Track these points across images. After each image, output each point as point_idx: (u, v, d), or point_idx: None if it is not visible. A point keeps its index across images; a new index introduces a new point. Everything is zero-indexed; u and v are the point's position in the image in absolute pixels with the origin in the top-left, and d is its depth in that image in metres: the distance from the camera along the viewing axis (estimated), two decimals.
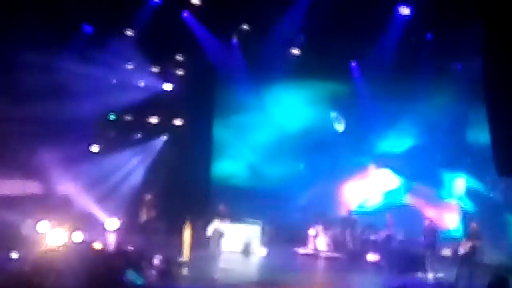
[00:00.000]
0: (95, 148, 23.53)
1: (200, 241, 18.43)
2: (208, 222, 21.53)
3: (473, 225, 19.79)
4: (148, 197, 22.59)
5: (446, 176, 23.38)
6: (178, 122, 24.30)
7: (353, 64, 23.61)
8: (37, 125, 22.01)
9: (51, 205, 21.74)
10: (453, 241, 21.00)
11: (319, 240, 22.08)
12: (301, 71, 23.37)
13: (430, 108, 22.78)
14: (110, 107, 22.81)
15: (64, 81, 21.42)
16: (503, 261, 19.20)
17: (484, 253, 19.62)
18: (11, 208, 20.54)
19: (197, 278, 16.74)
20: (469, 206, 22.52)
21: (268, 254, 21.48)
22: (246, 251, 21.46)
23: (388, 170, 23.78)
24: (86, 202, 21.89)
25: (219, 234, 17.86)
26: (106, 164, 22.58)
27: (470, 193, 22.86)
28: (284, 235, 21.68)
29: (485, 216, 21.77)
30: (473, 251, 19.35)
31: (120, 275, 14.87)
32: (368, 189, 24.06)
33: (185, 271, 17.48)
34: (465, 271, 18.72)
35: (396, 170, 23.36)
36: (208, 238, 17.86)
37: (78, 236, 20.22)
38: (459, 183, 23.28)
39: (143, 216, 22.38)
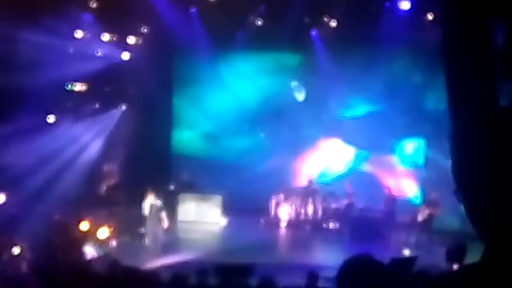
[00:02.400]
0: (51, 119, 23.21)
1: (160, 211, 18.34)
2: (169, 192, 21.57)
3: (433, 193, 20.04)
4: (106, 167, 22.46)
5: (405, 143, 23.54)
6: (136, 92, 24.06)
7: (313, 33, 23.51)
8: None
9: (8, 178, 21.51)
10: (412, 208, 21.23)
11: (281, 209, 22.14)
12: (261, 41, 23.26)
13: (389, 75, 22.85)
14: (67, 77, 22.46)
15: (19, 51, 21.07)
16: (460, 228, 19.39)
17: (442, 220, 19.86)
18: None
19: (158, 249, 16.70)
20: (427, 173, 22.72)
21: (229, 224, 21.51)
22: (206, 222, 21.44)
23: (342, 139, 23.79)
24: (46, 173, 21.66)
25: (156, 209, 17.50)
26: (64, 135, 22.31)
27: (429, 160, 23.06)
28: (245, 205, 21.63)
29: (443, 183, 21.98)
30: (431, 218, 19.64)
31: (80, 247, 14.81)
32: (327, 158, 24.11)
33: (146, 242, 17.42)
34: (423, 238, 18.99)
35: (355, 138, 23.39)
36: (146, 215, 17.52)
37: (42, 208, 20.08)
38: (418, 150, 23.47)
39: (102, 187, 22.29)
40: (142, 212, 17.32)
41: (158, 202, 17.63)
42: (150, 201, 17.45)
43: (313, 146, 23.90)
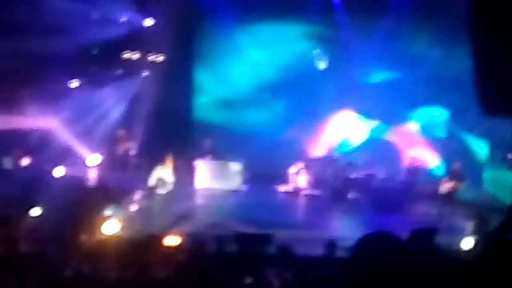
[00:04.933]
0: (75, 84, 23.29)
1: (180, 178, 18.40)
2: (189, 159, 21.62)
3: (456, 164, 19.91)
4: (127, 132, 22.57)
5: (430, 113, 23.40)
6: (159, 58, 24.04)
7: (336, 0, 23.32)
8: (19, 59, 21.78)
9: (33, 140, 21.72)
10: (435, 180, 21.12)
11: (300, 178, 22.10)
12: (283, 9, 23.13)
13: (412, 44, 22.71)
14: (91, 42, 22.50)
15: (45, 16, 21.13)
16: (483, 200, 19.33)
17: (465, 192, 19.76)
18: None
19: (176, 214, 16.73)
20: (450, 144, 22.59)
21: (248, 191, 21.53)
22: (226, 189, 21.47)
23: (363, 108, 23.64)
24: (67, 138, 21.81)
25: (162, 183, 17.36)
26: (87, 100, 22.41)
27: (453, 131, 22.95)
28: (266, 173, 21.61)
29: (466, 155, 21.91)
30: (454, 190, 19.51)
31: (100, 210, 14.91)
32: (347, 128, 24.01)
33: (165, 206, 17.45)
34: (446, 210, 18.89)
35: (376, 107, 23.23)
36: (151, 187, 17.39)
37: (60, 171, 20.27)
38: (441, 120, 23.33)
39: (124, 152, 22.47)
40: (161, 177, 17.34)
41: (176, 169, 17.68)
42: (169, 167, 17.49)
43: (334, 116, 23.80)
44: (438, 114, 23.40)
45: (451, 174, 19.97)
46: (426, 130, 23.44)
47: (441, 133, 23.34)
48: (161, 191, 17.20)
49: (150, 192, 17.19)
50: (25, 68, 21.80)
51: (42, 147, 21.10)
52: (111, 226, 14.01)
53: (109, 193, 16.78)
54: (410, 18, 22.08)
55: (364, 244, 3.38)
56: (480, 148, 22.42)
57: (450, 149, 22.16)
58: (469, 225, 15.40)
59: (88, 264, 10.38)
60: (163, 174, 17.30)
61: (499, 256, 2.00)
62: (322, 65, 24.21)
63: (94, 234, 13.12)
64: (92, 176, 21.09)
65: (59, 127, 21.94)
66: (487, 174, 21.64)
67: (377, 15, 22.26)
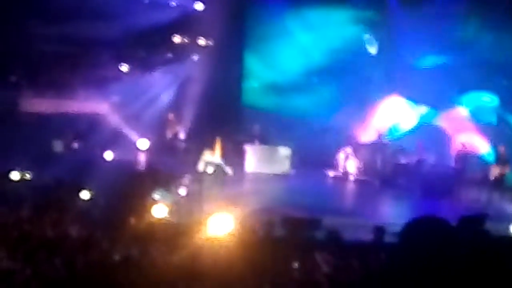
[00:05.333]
0: (124, 68, 23.46)
1: (229, 162, 18.39)
2: (239, 143, 21.62)
3: (501, 149, 19.67)
4: (177, 116, 22.68)
5: (479, 98, 23.08)
6: (209, 43, 24.07)
7: None
8: (70, 44, 22.04)
9: (83, 124, 21.97)
10: (485, 166, 20.86)
11: (349, 163, 21.96)
12: None
13: (464, 29, 22.39)
14: (140, 26, 22.61)
15: (96, 1, 21.29)
16: None
17: None
18: (43, 126, 20.79)
19: (225, 198, 16.72)
20: (500, 130, 22.26)
21: (297, 176, 21.45)
22: (275, 173, 21.44)
23: (413, 94, 23.39)
24: (117, 122, 22.01)
25: (211, 167, 17.05)
26: (136, 84, 22.57)
27: (503, 117, 22.62)
28: (314, 157, 21.52)
29: None
30: (502, 175, 19.24)
31: (149, 194, 14.99)
32: (397, 113, 23.79)
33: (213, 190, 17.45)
34: (495, 196, 18.64)
35: (427, 93, 22.96)
36: (200, 172, 17.23)
37: (109, 155, 20.48)
38: (491, 106, 22.99)
39: (173, 136, 22.59)
40: (210, 161, 17.33)
41: (225, 153, 17.67)
42: (218, 152, 17.48)
43: (383, 101, 23.60)
44: (488, 100, 23.06)
45: (499, 160, 19.71)
46: (475, 116, 23.12)
47: (491, 118, 23.00)
48: (210, 175, 17.18)
49: (199, 176, 17.19)
50: (75, 53, 22.07)
51: (92, 131, 21.34)
52: (159, 210, 14.07)
53: (158, 177, 16.87)
54: (460, 2, 21.77)
55: (413, 229, 3.33)
56: None
57: (500, 135, 21.83)
58: None
59: (136, 248, 10.44)
60: (212, 158, 17.27)
61: None
62: (372, 49, 24.00)
63: (142, 218, 13.19)
64: (141, 160, 21.27)
65: (109, 112, 22.17)
66: None
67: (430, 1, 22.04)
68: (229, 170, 17.35)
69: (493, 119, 22.97)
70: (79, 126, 21.88)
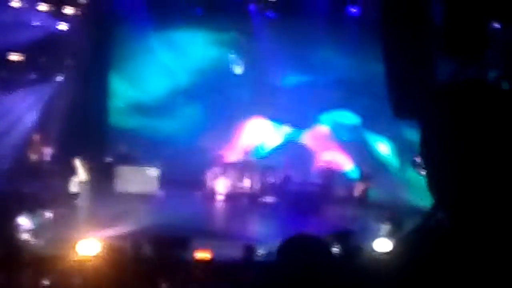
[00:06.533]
0: None
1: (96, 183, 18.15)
2: (106, 164, 21.37)
3: (365, 167, 20.40)
4: (41, 138, 22.17)
5: (340, 116, 23.79)
6: (73, 63, 23.68)
7: (251, 7, 23.48)
8: None
9: None
10: (349, 183, 21.50)
11: (217, 183, 22.13)
12: (199, 15, 23.25)
13: (326, 49, 23.02)
14: (2, 46, 21.99)
15: None
16: (396, 203, 19.66)
17: (377, 195, 20.17)
18: None
19: (93, 219, 16.50)
20: (362, 148, 23.01)
21: (166, 196, 21.37)
22: (143, 194, 21.28)
23: (278, 113, 23.86)
24: None
25: (77, 189, 17.15)
26: None
27: (364, 135, 23.40)
28: (183, 178, 21.52)
29: (377, 159, 22.42)
30: (365, 192, 19.93)
31: (13, 219, 14.57)
32: (263, 132, 24.20)
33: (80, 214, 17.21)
34: (360, 213, 19.25)
35: (292, 112, 23.46)
36: (66, 193, 17.19)
37: None
38: (352, 124, 23.74)
39: (37, 158, 22.04)
40: (77, 183, 17.08)
41: (91, 174, 17.43)
42: (85, 173, 17.23)
43: (250, 120, 23.95)
44: (348, 118, 23.80)
45: (363, 177, 20.43)
46: (337, 134, 23.82)
47: (352, 136, 23.72)
48: (77, 196, 16.92)
49: (66, 198, 16.89)
50: None
51: None
52: (25, 234, 13.71)
53: (22, 200, 16.42)
54: (317, 26, 22.40)
55: (285, 247, 3.41)
56: (391, 151, 22.93)
57: (362, 152, 22.60)
58: (383, 227, 15.74)
59: (1, 274, 10.15)
60: (79, 179, 17.04)
61: (417, 258, 2.07)
62: (238, 69, 24.31)
63: (7, 243, 12.82)
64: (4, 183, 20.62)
65: None
66: (398, 177, 22.09)
67: (290, 20, 22.51)
68: (95, 191, 17.17)
69: (354, 137, 23.69)
70: None
